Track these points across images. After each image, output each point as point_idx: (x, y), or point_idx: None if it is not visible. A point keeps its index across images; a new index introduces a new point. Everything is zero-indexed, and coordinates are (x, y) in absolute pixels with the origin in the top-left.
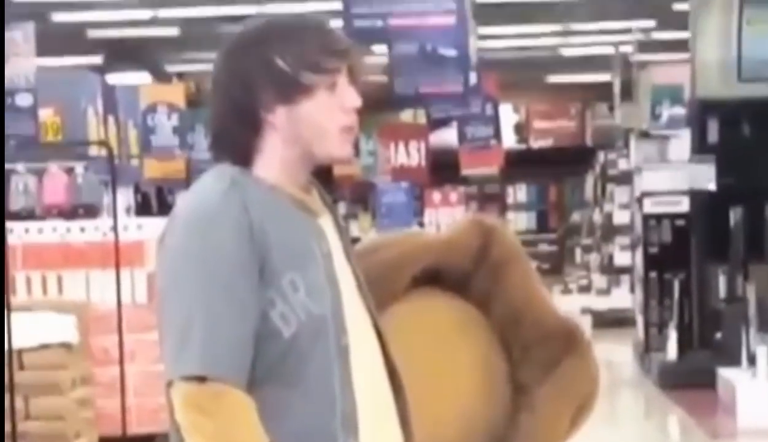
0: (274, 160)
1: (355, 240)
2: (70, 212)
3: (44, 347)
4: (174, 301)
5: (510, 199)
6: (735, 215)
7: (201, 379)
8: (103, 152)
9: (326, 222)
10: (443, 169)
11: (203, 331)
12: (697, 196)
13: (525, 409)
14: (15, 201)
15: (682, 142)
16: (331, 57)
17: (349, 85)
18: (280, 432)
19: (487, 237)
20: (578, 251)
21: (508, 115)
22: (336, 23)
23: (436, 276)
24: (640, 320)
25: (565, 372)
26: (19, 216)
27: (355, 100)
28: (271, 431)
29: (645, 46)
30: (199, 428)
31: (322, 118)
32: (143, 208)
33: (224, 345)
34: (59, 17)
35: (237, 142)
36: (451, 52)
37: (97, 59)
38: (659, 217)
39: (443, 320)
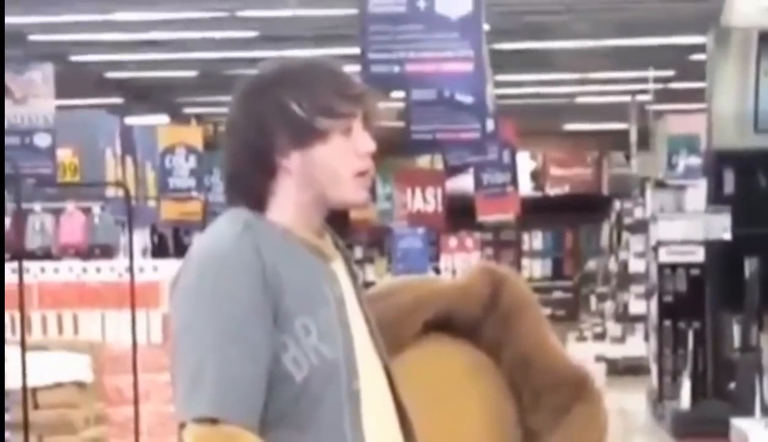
0: (288, 204)
1: (369, 285)
2: (86, 252)
3: (58, 385)
4: (186, 343)
5: (525, 246)
6: (750, 265)
7: (213, 421)
8: (121, 193)
9: (339, 266)
10: (459, 215)
11: (215, 373)
12: (712, 245)
13: None
14: (32, 240)
15: (698, 192)
16: (345, 101)
17: (363, 130)
18: None
19: (497, 285)
20: (593, 299)
21: (525, 163)
22: (353, 68)
23: (447, 322)
24: (654, 368)
25: (575, 419)
26: (35, 255)
27: (369, 145)
28: None
29: (662, 96)
30: None
31: (337, 162)
32: (160, 249)
33: (236, 387)
34: (78, 58)
35: (251, 185)
36: (468, 99)
37: (115, 100)
38: (674, 267)
39: (454, 367)
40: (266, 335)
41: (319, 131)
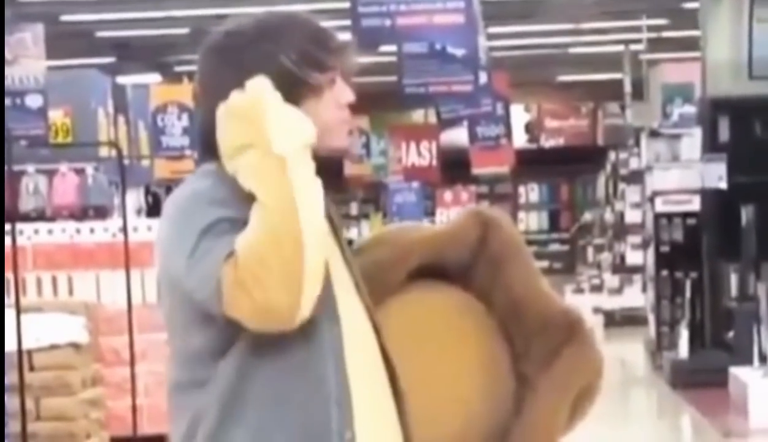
0: None
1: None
2: (80, 213)
3: (54, 347)
4: (180, 239)
5: (522, 199)
6: (747, 213)
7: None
8: (114, 153)
9: None
10: (454, 168)
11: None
12: (708, 194)
13: (528, 400)
14: (25, 202)
15: (693, 141)
16: (332, 54)
17: (342, 81)
18: (279, 419)
19: (485, 229)
20: (590, 251)
21: (519, 115)
22: (343, 22)
23: (439, 269)
24: (651, 318)
25: (565, 362)
26: (29, 217)
27: (349, 95)
28: (270, 419)
29: (655, 45)
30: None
31: (326, 115)
32: (154, 208)
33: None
34: (69, 18)
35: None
36: (460, 51)
37: (107, 60)
38: (670, 216)
39: (445, 311)
40: None
41: (311, 86)
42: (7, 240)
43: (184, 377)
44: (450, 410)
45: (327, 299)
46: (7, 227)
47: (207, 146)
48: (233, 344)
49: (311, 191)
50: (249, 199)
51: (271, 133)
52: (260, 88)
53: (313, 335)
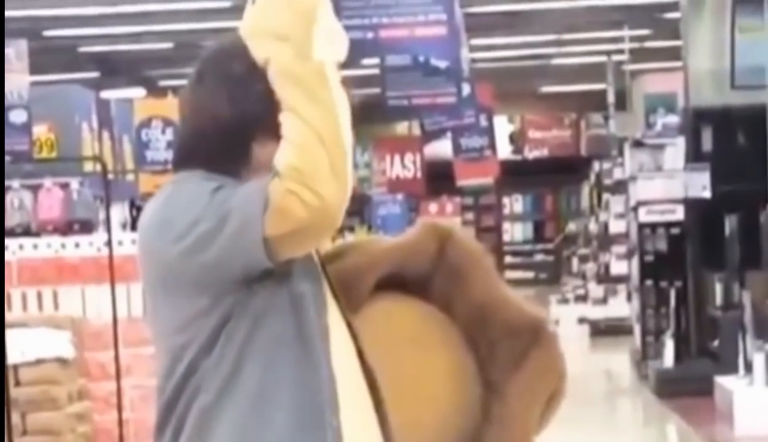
0: (260, 171)
1: None
2: (65, 228)
3: (40, 362)
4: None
5: (506, 210)
6: (730, 223)
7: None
8: (98, 168)
9: None
10: (439, 180)
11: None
12: (692, 204)
13: (496, 404)
14: (10, 217)
15: (676, 151)
16: None
17: None
18: (279, 404)
19: (443, 241)
20: (575, 261)
21: (503, 126)
22: None
23: (399, 281)
24: (636, 328)
25: (531, 365)
26: (14, 232)
27: None
28: (269, 406)
29: (638, 55)
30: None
31: None
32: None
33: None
34: (52, 33)
35: (213, 158)
36: (443, 63)
37: (90, 75)
38: (654, 226)
39: (412, 321)
40: None
41: None
42: None
43: (178, 376)
44: (424, 410)
45: (316, 290)
46: None
47: (191, 154)
48: (223, 334)
49: (343, 99)
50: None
51: (318, 38)
52: None
53: (305, 323)
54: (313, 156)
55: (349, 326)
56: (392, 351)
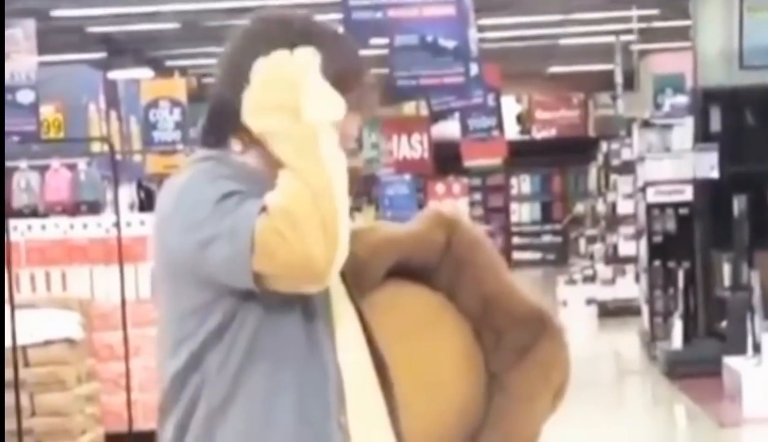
0: (265, 155)
1: None
2: (72, 209)
3: (48, 343)
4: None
5: (514, 191)
6: (739, 203)
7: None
8: (106, 148)
9: None
10: (446, 160)
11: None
12: (700, 184)
13: (498, 393)
14: (18, 198)
15: (684, 131)
16: (358, 85)
17: (353, 114)
18: (282, 403)
19: (450, 231)
20: (582, 242)
21: (511, 106)
22: (335, 15)
23: (404, 270)
24: (645, 309)
25: (537, 356)
26: (21, 213)
27: (355, 130)
28: (272, 402)
29: (646, 35)
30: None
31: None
32: (146, 203)
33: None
34: (59, 13)
35: (224, 135)
36: (451, 44)
37: (98, 55)
38: (663, 207)
39: (421, 307)
40: None
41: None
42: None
43: (180, 364)
44: (435, 394)
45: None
46: None
47: (216, 126)
48: (228, 332)
49: (339, 161)
50: (252, 179)
51: (307, 102)
52: (309, 58)
53: (311, 322)
54: (305, 206)
55: (360, 314)
56: (404, 333)
